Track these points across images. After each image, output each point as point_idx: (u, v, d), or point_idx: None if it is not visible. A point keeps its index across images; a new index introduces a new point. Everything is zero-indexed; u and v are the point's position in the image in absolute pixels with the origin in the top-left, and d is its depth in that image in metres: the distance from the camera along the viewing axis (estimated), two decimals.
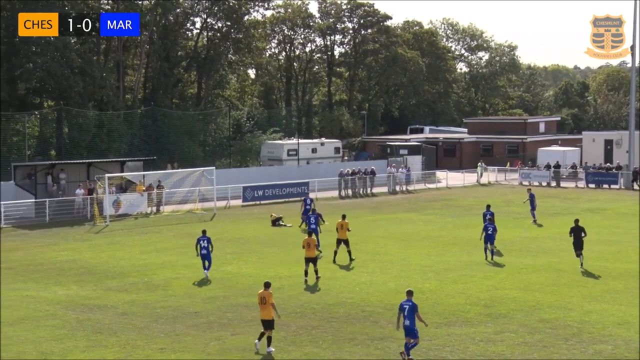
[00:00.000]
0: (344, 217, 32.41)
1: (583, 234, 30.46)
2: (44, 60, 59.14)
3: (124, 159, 53.81)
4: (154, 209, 48.06)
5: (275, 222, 42.07)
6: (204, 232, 29.62)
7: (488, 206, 36.52)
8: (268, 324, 20.12)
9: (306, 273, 27.87)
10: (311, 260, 27.91)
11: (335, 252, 31.49)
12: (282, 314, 21.10)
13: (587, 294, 25.98)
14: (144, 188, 48.12)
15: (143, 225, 43.03)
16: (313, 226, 33.49)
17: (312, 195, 54.73)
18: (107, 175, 45.05)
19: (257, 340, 20.15)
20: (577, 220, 31.02)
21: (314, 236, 30.34)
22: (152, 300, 25.47)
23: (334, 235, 34.19)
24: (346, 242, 31.58)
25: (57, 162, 50.88)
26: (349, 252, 31.57)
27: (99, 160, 52.02)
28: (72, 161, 51.90)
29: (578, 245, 30.34)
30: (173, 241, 37.39)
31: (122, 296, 26.04)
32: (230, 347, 20.56)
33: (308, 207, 40.93)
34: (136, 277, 29.05)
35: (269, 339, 20.10)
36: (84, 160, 51.89)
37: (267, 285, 20.54)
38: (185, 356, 19.90)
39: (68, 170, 48.95)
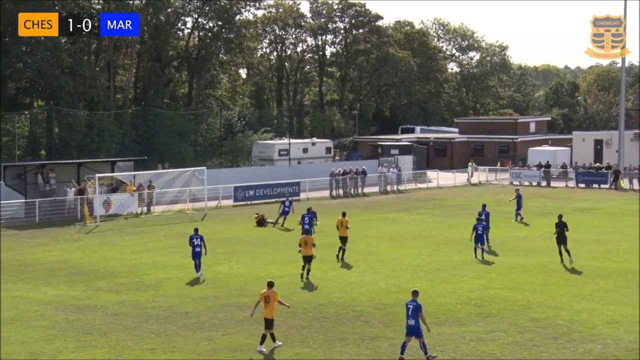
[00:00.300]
0: (344, 214, 32.63)
1: (566, 229, 31.09)
2: (34, 60, 58.94)
3: (115, 159, 53.68)
4: (145, 209, 47.95)
5: (261, 222, 42.04)
6: (196, 230, 29.60)
7: (484, 206, 36.54)
8: (270, 323, 20.22)
9: (303, 268, 28.09)
10: (307, 258, 28.08)
11: (340, 249, 31.83)
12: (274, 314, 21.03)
13: (577, 293, 26.06)
14: (134, 188, 48.02)
15: (133, 225, 42.94)
16: (307, 226, 33.65)
17: (303, 195, 54.93)
18: (97, 175, 44.93)
19: (273, 344, 20.23)
20: (560, 216, 32.01)
21: (312, 234, 30.66)
22: (143, 300, 25.42)
23: (326, 236, 34.29)
24: (344, 240, 31.76)
25: (47, 162, 50.71)
26: (343, 250, 31.75)
27: (89, 160, 51.86)
28: (62, 161, 51.70)
29: (561, 240, 31.05)
30: (164, 241, 37.32)
31: (113, 296, 25.98)
32: (221, 347, 20.54)
33: (287, 209, 41.64)
34: (127, 278, 28.98)
35: (264, 337, 20.17)
36: (74, 161, 51.70)
37: (270, 284, 20.68)
38: (175, 356, 19.87)
39: (58, 171, 48.79)
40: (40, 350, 20.34)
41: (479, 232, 32.21)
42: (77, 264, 31.70)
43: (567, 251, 30.85)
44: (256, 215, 42.72)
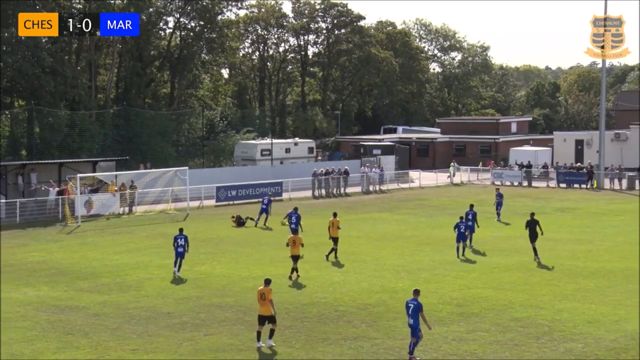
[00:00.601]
0: (335, 215, 32.68)
1: (538, 227, 31.56)
2: (15, 60, 58.52)
3: (96, 159, 53.46)
4: (127, 209, 47.74)
5: (240, 222, 41.98)
6: (180, 230, 29.56)
7: (471, 206, 36.58)
8: (268, 319, 20.31)
9: (292, 270, 28.17)
10: (295, 258, 28.18)
11: (332, 249, 31.96)
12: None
13: (558, 292, 26.21)
14: (116, 188, 47.80)
15: (115, 225, 42.75)
16: (294, 226, 33.91)
17: (285, 195, 54.92)
18: (79, 175, 44.67)
19: (258, 343, 20.24)
20: (532, 214, 32.41)
21: (299, 234, 30.76)
22: (125, 301, 25.31)
23: (307, 236, 34.23)
24: (336, 241, 31.87)
25: (28, 162, 50.40)
26: (335, 250, 31.94)
27: (70, 160, 51.60)
28: (43, 161, 51.40)
29: (532, 238, 31.51)
30: (146, 241, 37.18)
31: (94, 297, 25.85)
32: (203, 347, 20.49)
33: (264, 206, 42.03)
34: (108, 278, 28.85)
35: (272, 332, 20.35)
36: (55, 161, 51.43)
37: (267, 281, 20.74)
38: (157, 357, 19.80)
39: (39, 171, 48.48)
40: (21, 352, 20.20)
41: (462, 230, 32.41)
42: (58, 265, 31.52)
43: (535, 248, 31.28)
44: (233, 218, 42.63)
